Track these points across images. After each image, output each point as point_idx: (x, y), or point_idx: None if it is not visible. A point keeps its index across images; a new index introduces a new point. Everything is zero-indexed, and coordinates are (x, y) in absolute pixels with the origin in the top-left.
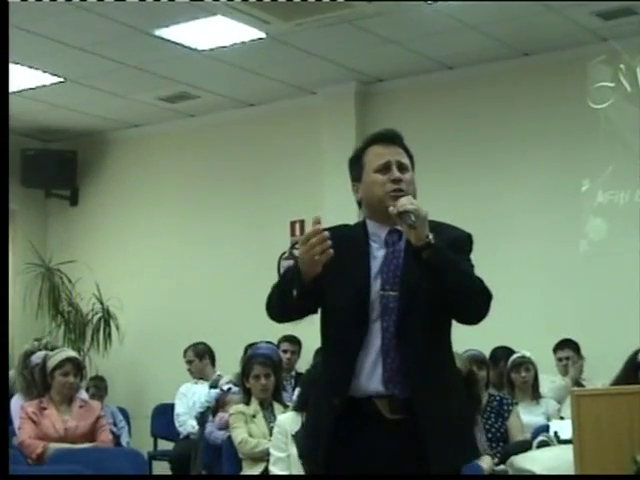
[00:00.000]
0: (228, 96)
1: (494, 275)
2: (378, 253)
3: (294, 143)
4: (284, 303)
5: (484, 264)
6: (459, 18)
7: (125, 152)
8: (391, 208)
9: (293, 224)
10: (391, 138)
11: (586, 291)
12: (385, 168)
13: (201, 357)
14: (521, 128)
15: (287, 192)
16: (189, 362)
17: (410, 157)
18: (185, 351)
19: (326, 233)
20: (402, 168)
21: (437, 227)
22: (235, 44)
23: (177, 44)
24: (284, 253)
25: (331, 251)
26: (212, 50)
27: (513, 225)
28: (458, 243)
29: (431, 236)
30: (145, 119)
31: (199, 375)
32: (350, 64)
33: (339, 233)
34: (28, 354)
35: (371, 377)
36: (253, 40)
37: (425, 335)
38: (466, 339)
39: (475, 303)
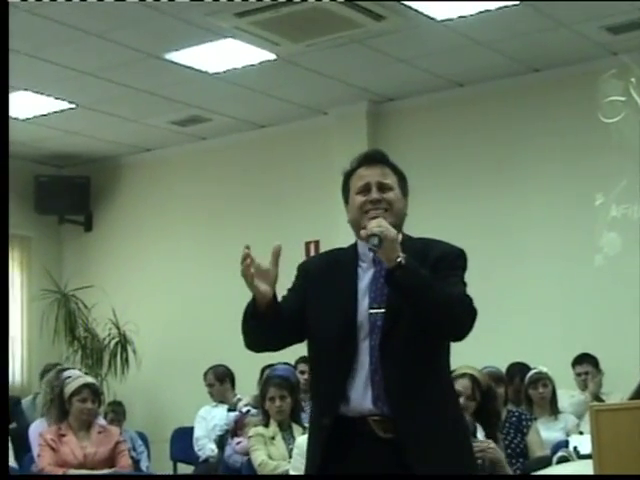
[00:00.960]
0: (240, 118)
1: (509, 291)
2: (367, 273)
3: (307, 164)
4: (245, 330)
5: (499, 280)
6: (469, 35)
7: (138, 176)
8: (362, 231)
9: (308, 244)
10: (374, 159)
11: (602, 305)
12: (365, 189)
13: (222, 380)
14: (533, 144)
15: (301, 213)
16: (210, 385)
17: (399, 175)
18: (205, 374)
19: (248, 260)
20: (383, 188)
21: (428, 244)
22: (246, 66)
23: (188, 67)
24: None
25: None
26: (223, 73)
27: (527, 241)
28: (446, 260)
29: (402, 257)
30: (157, 143)
31: (220, 398)
32: (361, 84)
33: (330, 257)
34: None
35: (363, 396)
36: (263, 62)
37: (410, 352)
38: (483, 355)
39: (450, 322)
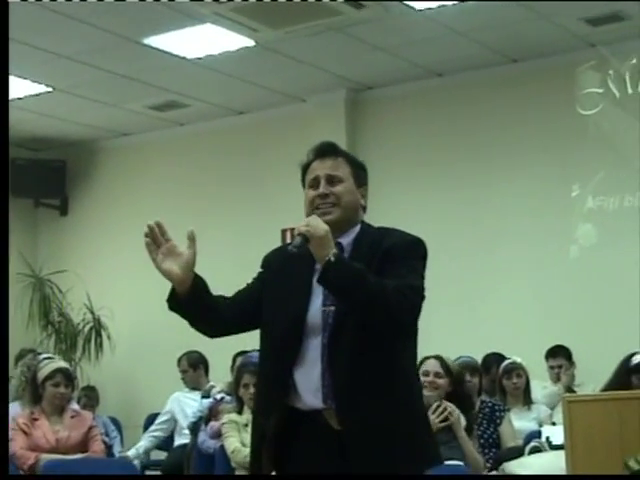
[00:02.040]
0: (218, 104)
1: (485, 281)
2: None
3: (284, 151)
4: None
5: (474, 270)
6: (448, 25)
7: (115, 161)
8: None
9: (284, 232)
10: (325, 151)
11: (577, 296)
12: (315, 183)
13: (195, 367)
14: (510, 134)
15: (278, 200)
16: (183, 371)
17: (354, 165)
18: (179, 360)
19: (147, 238)
20: (332, 181)
21: (385, 234)
22: (224, 52)
23: (166, 53)
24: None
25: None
26: (201, 58)
27: (503, 231)
28: (397, 250)
29: (331, 254)
30: (135, 128)
31: (193, 385)
32: (340, 72)
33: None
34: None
35: (315, 394)
36: (242, 48)
37: (360, 349)
38: (458, 345)
39: (385, 316)
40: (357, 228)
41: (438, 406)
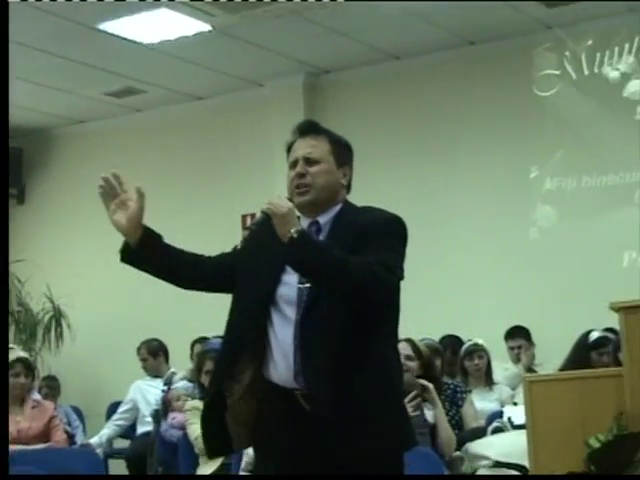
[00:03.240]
0: (175, 90)
1: (444, 263)
2: None
3: (243, 136)
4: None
5: (433, 251)
6: (406, 8)
7: (72, 148)
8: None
9: (244, 217)
10: (305, 130)
11: (536, 277)
12: (293, 164)
13: (155, 355)
14: (469, 116)
15: (238, 186)
16: (143, 360)
17: (335, 144)
18: (138, 349)
19: (101, 189)
20: (310, 162)
21: (362, 213)
22: (181, 37)
23: (122, 38)
24: (236, 247)
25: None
26: (158, 44)
27: (462, 213)
28: (370, 228)
29: (294, 232)
30: (91, 115)
31: (154, 373)
32: (297, 56)
33: (271, 226)
34: None
35: (287, 371)
36: (199, 33)
37: (333, 327)
38: (417, 327)
39: (353, 292)
40: (337, 207)
41: (414, 397)
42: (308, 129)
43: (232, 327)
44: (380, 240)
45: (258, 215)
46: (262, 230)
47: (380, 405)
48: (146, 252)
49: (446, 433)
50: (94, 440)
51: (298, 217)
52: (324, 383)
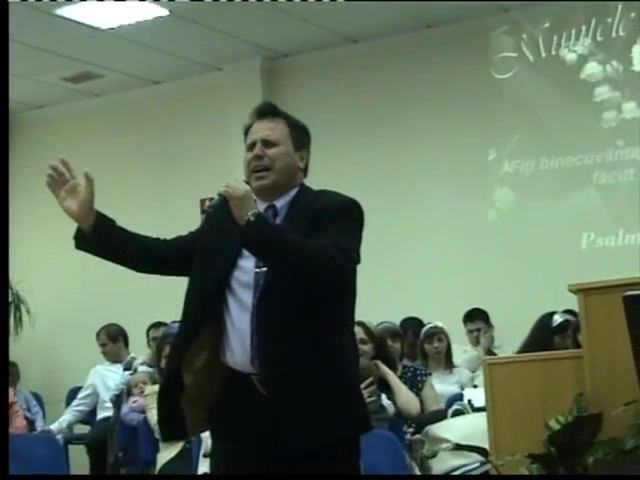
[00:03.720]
0: (133, 75)
1: (402, 246)
2: None
3: (201, 120)
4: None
5: (392, 234)
6: None
7: (30, 134)
8: None
9: (203, 201)
10: (263, 113)
11: (495, 260)
12: (251, 147)
13: (114, 339)
14: (426, 99)
15: (196, 170)
16: (103, 345)
17: (292, 127)
18: (97, 334)
19: (48, 177)
20: (267, 144)
21: (319, 196)
22: (138, 22)
23: (79, 23)
24: (192, 230)
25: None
26: (115, 28)
27: (420, 195)
28: (328, 211)
29: (250, 215)
30: (49, 100)
31: (114, 358)
32: (255, 40)
33: (228, 209)
34: None
35: (243, 355)
36: (157, 18)
37: (288, 311)
38: (377, 310)
39: (308, 276)
40: (294, 191)
41: (370, 383)
42: (266, 111)
43: (188, 309)
44: (336, 223)
45: (215, 198)
46: (219, 213)
47: (335, 389)
48: (100, 237)
49: (405, 394)
50: (54, 426)
51: (255, 200)
52: (279, 367)
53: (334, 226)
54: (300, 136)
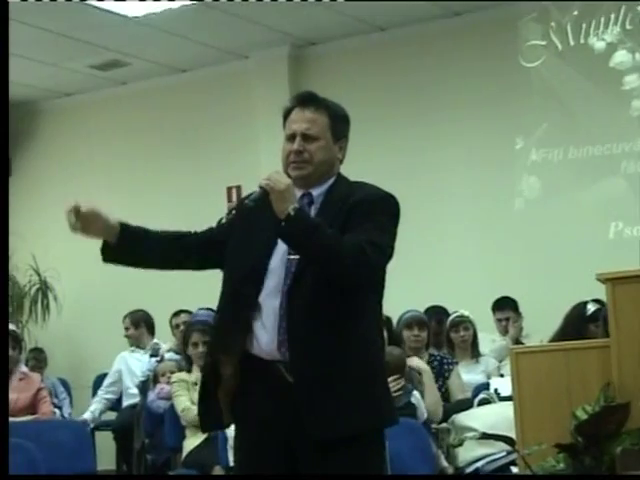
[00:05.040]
0: (160, 62)
1: (430, 235)
2: None
3: (228, 108)
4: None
5: (419, 224)
6: None
7: (58, 121)
8: None
9: (230, 190)
10: (305, 101)
11: (522, 248)
12: (291, 138)
13: (137, 325)
14: (454, 88)
15: (223, 158)
16: (126, 329)
17: (332, 117)
18: (123, 319)
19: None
20: (307, 138)
21: (354, 189)
22: (166, 10)
23: (107, 11)
24: (222, 219)
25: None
26: (143, 16)
27: (448, 184)
28: (361, 205)
29: (291, 209)
30: (77, 88)
31: (136, 343)
32: (282, 27)
33: (267, 199)
34: None
35: (272, 341)
36: (184, 5)
37: (319, 299)
38: (404, 298)
39: (339, 271)
40: (331, 180)
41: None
42: (308, 100)
43: (227, 300)
44: (372, 218)
45: (256, 190)
46: (251, 202)
47: (361, 378)
48: (128, 245)
49: (434, 396)
50: (87, 416)
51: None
52: (307, 354)
53: (370, 221)
54: (340, 126)
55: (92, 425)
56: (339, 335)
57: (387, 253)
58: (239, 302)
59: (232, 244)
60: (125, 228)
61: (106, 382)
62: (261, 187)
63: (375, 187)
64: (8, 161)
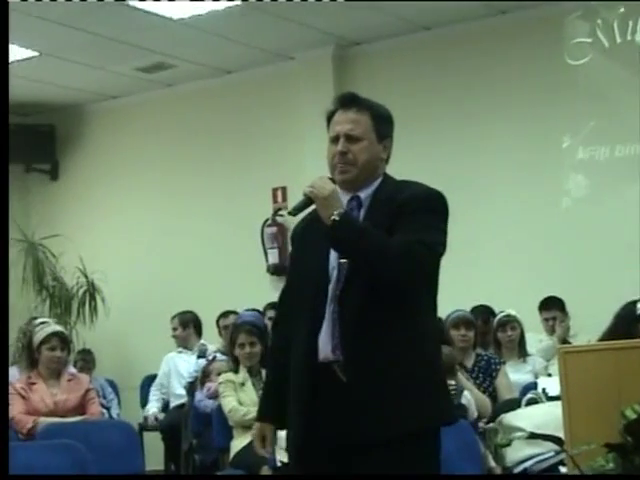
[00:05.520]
0: (205, 64)
1: (476, 234)
2: None
3: (273, 109)
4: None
5: (465, 223)
6: None
7: (103, 124)
8: None
9: (275, 191)
10: (347, 103)
11: (569, 247)
12: (335, 140)
13: (185, 326)
14: (500, 87)
15: (268, 159)
16: (173, 329)
17: (376, 117)
18: (172, 319)
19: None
20: (351, 139)
21: (401, 187)
22: (211, 12)
23: (152, 14)
24: (267, 220)
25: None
26: (188, 18)
27: (494, 183)
28: (410, 204)
29: (336, 214)
30: (122, 90)
31: (183, 344)
32: (327, 28)
33: (314, 213)
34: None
35: (327, 344)
36: (229, 7)
37: (368, 302)
38: (450, 299)
39: (387, 273)
40: (377, 181)
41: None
42: (350, 102)
43: (302, 310)
44: (420, 217)
45: (300, 199)
46: (299, 225)
47: (415, 378)
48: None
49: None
50: (150, 420)
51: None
52: (361, 354)
53: (418, 220)
54: (383, 126)
55: (156, 422)
56: (390, 335)
57: (436, 251)
58: (313, 317)
59: (296, 260)
60: (276, 413)
61: (157, 382)
62: (305, 195)
63: (422, 185)
64: (8, 161)
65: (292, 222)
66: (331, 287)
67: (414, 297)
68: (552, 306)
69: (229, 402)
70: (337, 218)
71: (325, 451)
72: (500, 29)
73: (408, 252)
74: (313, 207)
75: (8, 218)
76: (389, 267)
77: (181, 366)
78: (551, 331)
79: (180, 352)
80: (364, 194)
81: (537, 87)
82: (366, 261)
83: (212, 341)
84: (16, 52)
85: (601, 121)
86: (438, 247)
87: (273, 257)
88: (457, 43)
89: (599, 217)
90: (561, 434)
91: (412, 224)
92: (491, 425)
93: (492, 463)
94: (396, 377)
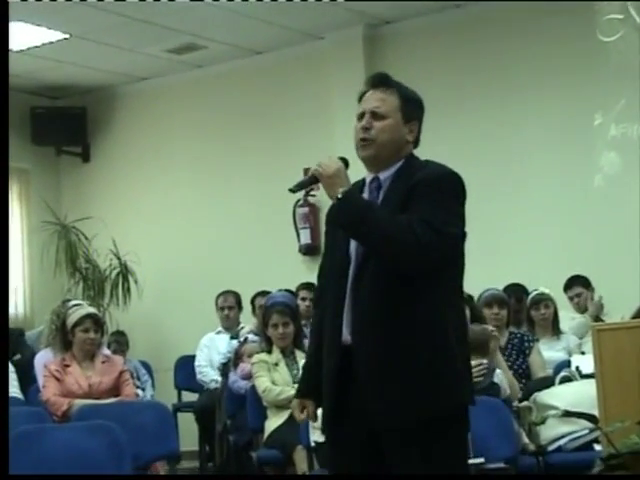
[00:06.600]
0: (235, 45)
1: (508, 213)
2: None
3: (303, 89)
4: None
5: (497, 202)
6: None
7: (134, 106)
8: None
9: (306, 171)
10: (376, 83)
11: (601, 226)
12: (361, 116)
13: (240, 305)
14: (531, 65)
15: (299, 139)
16: (229, 308)
17: (404, 98)
18: (221, 296)
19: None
20: (376, 116)
21: (420, 167)
22: None
23: None
24: (299, 200)
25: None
26: None
27: (527, 162)
28: (423, 184)
29: (340, 192)
30: (153, 72)
31: (234, 324)
32: (356, 7)
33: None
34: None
35: (346, 327)
36: None
37: (381, 285)
38: (482, 277)
39: (392, 253)
40: (400, 163)
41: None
42: (379, 82)
43: (329, 292)
44: (429, 197)
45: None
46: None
47: (432, 363)
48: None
49: (511, 380)
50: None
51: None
52: (369, 337)
53: (427, 200)
54: (411, 108)
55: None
56: (401, 319)
57: (446, 232)
58: (336, 294)
59: (327, 245)
60: (314, 392)
61: (198, 361)
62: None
63: (438, 165)
64: (8, 161)
65: (324, 202)
66: (351, 269)
67: (423, 280)
68: (574, 284)
69: (263, 382)
70: (340, 196)
71: (350, 433)
72: (532, 5)
73: (408, 231)
74: None
75: (8, 218)
76: (389, 245)
77: (214, 347)
78: (579, 309)
79: (219, 332)
80: (384, 175)
81: (569, 64)
82: (368, 240)
83: (245, 322)
84: (46, 35)
85: (633, 98)
86: (447, 227)
87: (305, 237)
88: (488, 21)
89: (632, 195)
90: (595, 412)
91: (420, 204)
92: (525, 403)
93: (526, 440)
94: (401, 363)
